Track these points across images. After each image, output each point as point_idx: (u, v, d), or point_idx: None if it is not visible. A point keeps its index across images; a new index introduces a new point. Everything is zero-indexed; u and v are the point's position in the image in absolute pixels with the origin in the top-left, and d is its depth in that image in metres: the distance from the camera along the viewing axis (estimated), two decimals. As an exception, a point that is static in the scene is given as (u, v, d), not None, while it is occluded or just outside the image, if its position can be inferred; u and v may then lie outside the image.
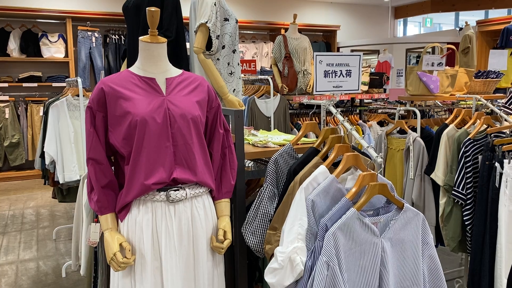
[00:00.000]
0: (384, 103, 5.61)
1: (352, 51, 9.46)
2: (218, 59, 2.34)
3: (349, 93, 4.06)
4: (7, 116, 6.59)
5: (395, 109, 3.97)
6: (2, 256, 3.82)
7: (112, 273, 1.56)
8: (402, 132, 2.89)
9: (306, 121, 4.78)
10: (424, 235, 1.58)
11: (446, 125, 2.64)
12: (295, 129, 4.55)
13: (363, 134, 4.23)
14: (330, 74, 1.78)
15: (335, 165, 1.65)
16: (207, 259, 1.59)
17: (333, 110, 1.73)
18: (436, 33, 10.62)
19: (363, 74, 4.80)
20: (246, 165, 2.27)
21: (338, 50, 9.25)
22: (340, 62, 1.79)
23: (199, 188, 1.58)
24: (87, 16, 6.98)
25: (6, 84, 6.58)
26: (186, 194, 1.53)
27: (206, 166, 1.59)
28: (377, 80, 5.04)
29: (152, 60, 1.55)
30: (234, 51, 2.39)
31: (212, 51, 2.30)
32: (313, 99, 2.18)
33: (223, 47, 2.34)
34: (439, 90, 3.16)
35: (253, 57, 8.37)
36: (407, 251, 1.55)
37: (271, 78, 4.37)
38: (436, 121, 3.16)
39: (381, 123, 4.43)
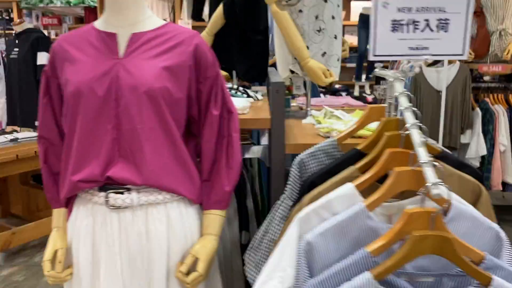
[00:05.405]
0: None
1: None
2: (300, 10, 1.69)
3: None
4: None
5: None
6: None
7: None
8: None
9: (498, 97, 3.59)
10: None
11: None
12: (477, 109, 3.45)
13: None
14: (404, 27, 1.02)
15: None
16: (167, 292, 1.11)
17: (399, 88, 1.00)
18: None
19: None
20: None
21: None
22: (425, 5, 0.99)
23: (157, 193, 1.11)
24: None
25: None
26: (133, 200, 1.08)
27: (170, 163, 1.09)
28: None
29: (115, 6, 1.11)
30: (325, -1, 1.72)
31: (291, -1, 1.67)
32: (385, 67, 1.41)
33: (309, -7, 1.67)
34: None
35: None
36: None
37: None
38: None
39: None
